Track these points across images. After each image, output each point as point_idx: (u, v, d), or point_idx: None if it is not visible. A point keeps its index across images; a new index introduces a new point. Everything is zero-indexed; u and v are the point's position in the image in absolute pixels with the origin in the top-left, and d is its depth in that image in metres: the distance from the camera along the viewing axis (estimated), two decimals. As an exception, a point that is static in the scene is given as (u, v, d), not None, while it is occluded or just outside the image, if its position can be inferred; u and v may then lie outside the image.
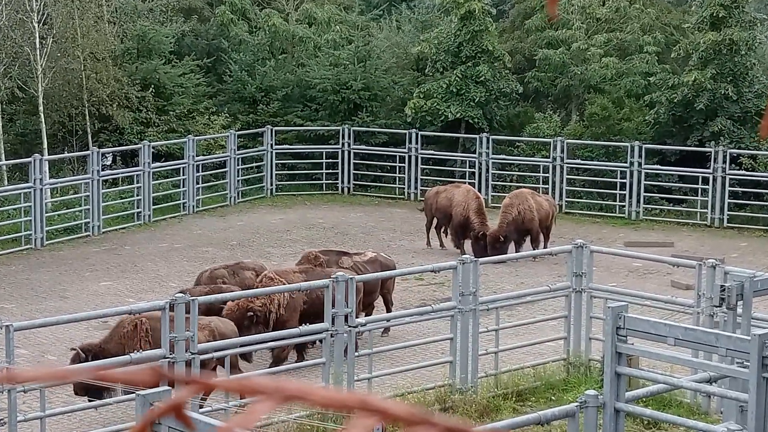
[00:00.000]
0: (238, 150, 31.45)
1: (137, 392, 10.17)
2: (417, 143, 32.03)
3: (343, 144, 32.92)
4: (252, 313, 16.55)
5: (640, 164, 29.65)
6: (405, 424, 1.38)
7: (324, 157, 33.18)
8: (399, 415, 1.37)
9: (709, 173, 29.03)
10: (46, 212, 26.39)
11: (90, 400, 14.65)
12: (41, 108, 29.51)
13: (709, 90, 30.16)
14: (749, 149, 29.71)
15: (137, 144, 29.89)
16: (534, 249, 23.80)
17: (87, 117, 31.24)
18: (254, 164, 32.66)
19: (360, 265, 18.90)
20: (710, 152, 29.25)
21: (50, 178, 27.76)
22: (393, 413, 1.37)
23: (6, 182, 28.53)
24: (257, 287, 16.93)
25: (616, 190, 30.17)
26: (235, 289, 17.59)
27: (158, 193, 29.45)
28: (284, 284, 16.71)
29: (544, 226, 25.23)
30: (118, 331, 15.18)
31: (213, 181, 31.69)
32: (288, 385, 1.41)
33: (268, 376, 15.35)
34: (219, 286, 17.79)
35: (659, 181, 30.26)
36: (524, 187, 31.80)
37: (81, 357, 14.81)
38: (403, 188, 32.50)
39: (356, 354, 15.36)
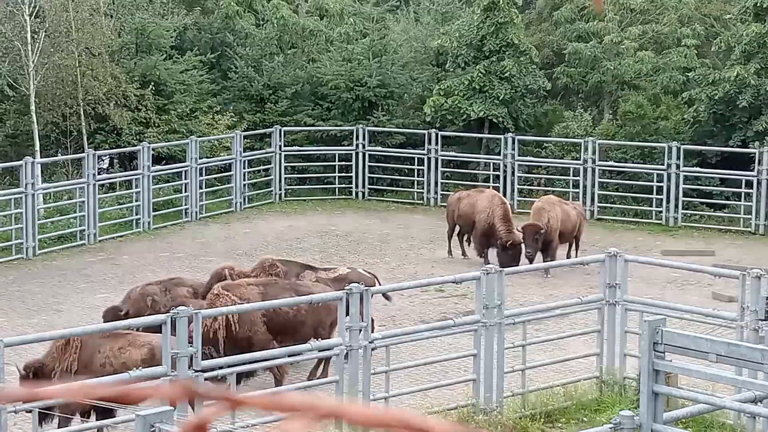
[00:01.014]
0: (244, 152, 31.53)
1: (137, 413, 10.20)
2: (437, 144, 32.06)
3: (357, 145, 32.97)
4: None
5: (678, 166, 29.61)
6: None
7: (336, 160, 33.24)
8: None
9: (753, 176, 28.96)
10: (39, 219, 26.50)
11: (99, 419, 14.73)
12: (33, 107, 29.64)
13: (753, 86, 30.11)
14: (796, 150, 29.64)
15: (136, 146, 30.00)
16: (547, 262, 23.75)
17: (82, 117, 31.37)
18: (261, 167, 32.74)
19: (323, 282, 18.43)
20: (754, 153, 29.19)
21: (43, 182, 27.88)
22: (435, 431, 1.38)
23: (-5, 187, 28.67)
24: (207, 305, 16.71)
25: (652, 194, 30.13)
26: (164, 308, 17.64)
27: (158, 199, 29.55)
28: (235, 299, 16.52)
29: (571, 236, 25.33)
30: (55, 346, 15.26)
31: (217, 186, 31.79)
32: (323, 402, 1.42)
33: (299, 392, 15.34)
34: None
35: (699, 185, 30.21)
36: (553, 191, 31.87)
37: (21, 374, 14.89)
38: (422, 193, 32.53)
39: (372, 371, 15.37)
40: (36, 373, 14.78)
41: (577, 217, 25.43)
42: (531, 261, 23.57)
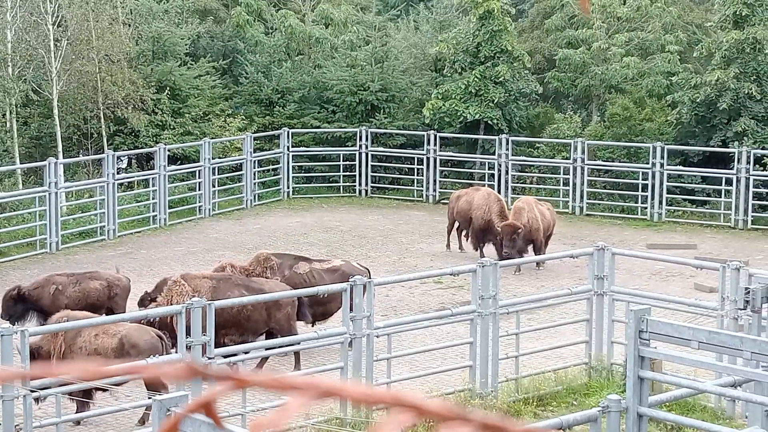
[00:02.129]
0: (254, 152, 31.50)
1: (154, 398, 10.19)
2: (435, 145, 32.02)
3: (360, 146, 32.94)
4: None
5: (662, 165, 29.58)
6: (440, 421, 1.38)
7: (341, 160, 33.21)
8: (434, 412, 1.38)
9: (733, 174, 28.93)
10: (61, 216, 26.49)
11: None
12: (56, 111, 29.62)
13: (733, 89, 30.07)
14: (773, 149, 29.60)
15: (153, 147, 29.98)
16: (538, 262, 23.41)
17: (102, 120, 31.35)
18: (271, 167, 32.72)
19: (316, 273, 18.31)
20: (734, 153, 29.16)
21: (65, 181, 27.86)
22: (428, 409, 1.37)
23: (21, 186, 28.65)
24: (163, 292, 16.54)
25: (638, 191, 30.10)
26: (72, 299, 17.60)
27: (174, 197, 29.53)
28: (189, 290, 16.41)
29: (545, 235, 24.60)
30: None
31: (229, 184, 31.77)
32: (323, 381, 1.41)
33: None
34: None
35: (682, 183, 30.18)
36: (544, 189, 31.84)
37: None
38: (422, 190, 32.49)
39: (375, 359, 15.36)
40: (33, 355, 14.59)
41: (551, 217, 24.85)
42: (508, 259, 22.36)
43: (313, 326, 18.12)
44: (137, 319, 15.44)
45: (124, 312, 18.18)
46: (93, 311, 17.68)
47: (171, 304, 16.09)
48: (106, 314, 18.12)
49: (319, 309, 18.21)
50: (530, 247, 24.23)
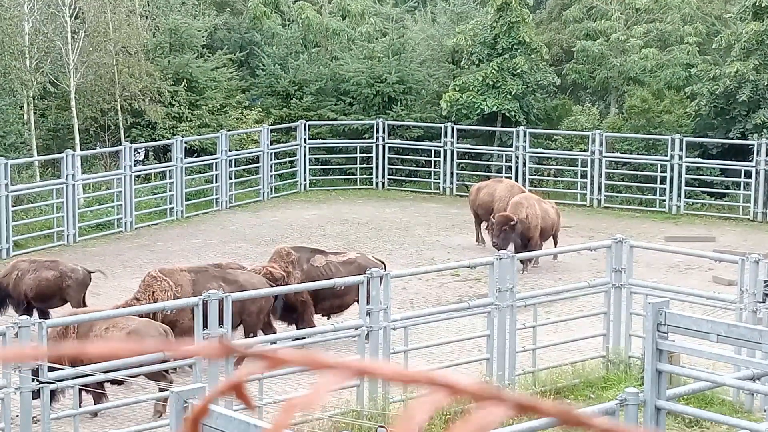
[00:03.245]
0: (271, 145, 31.53)
1: (171, 389, 10.23)
2: (452, 137, 31.99)
3: (377, 138, 32.93)
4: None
5: (680, 157, 29.49)
6: (474, 400, 1.38)
7: (358, 152, 33.21)
8: (468, 390, 1.37)
9: (752, 166, 28.81)
10: (79, 208, 26.57)
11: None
12: (73, 103, 29.71)
13: (752, 81, 29.93)
14: (793, 142, 29.47)
15: (170, 139, 30.03)
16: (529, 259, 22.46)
17: (119, 112, 31.42)
18: (287, 159, 32.74)
19: (332, 266, 18.32)
20: (753, 145, 29.04)
21: (82, 173, 27.94)
22: (462, 388, 1.36)
23: (38, 178, 28.75)
24: (142, 287, 16.57)
25: (656, 183, 30.01)
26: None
27: (191, 189, 29.59)
28: (171, 283, 16.40)
29: (549, 235, 23.82)
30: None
31: (246, 177, 31.81)
32: (355, 360, 1.41)
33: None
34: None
35: (700, 175, 30.07)
36: (562, 182, 31.78)
37: None
38: (439, 183, 32.47)
39: (392, 351, 15.36)
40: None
41: (555, 215, 24.00)
42: (498, 249, 21.82)
43: (329, 319, 18.16)
44: (151, 311, 15.52)
45: (79, 302, 18.86)
46: (45, 300, 18.26)
47: (154, 300, 16.15)
48: (60, 305, 18.94)
49: (336, 302, 18.25)
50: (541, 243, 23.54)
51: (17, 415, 13.35)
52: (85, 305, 19.26)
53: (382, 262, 18.99)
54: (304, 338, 16.42)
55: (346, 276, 17.40)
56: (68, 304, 19.11)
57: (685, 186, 29.67)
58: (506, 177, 29.63)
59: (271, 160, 31.47)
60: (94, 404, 14.79)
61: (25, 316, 14.14)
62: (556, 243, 23.91)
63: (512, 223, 22.84)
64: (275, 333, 17.10)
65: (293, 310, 17.87)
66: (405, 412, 1.42)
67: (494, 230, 22.97)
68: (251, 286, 16.67)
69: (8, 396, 13.13)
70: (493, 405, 1.35)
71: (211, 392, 1.47)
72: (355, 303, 17.84)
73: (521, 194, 24.43)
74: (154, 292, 16.52)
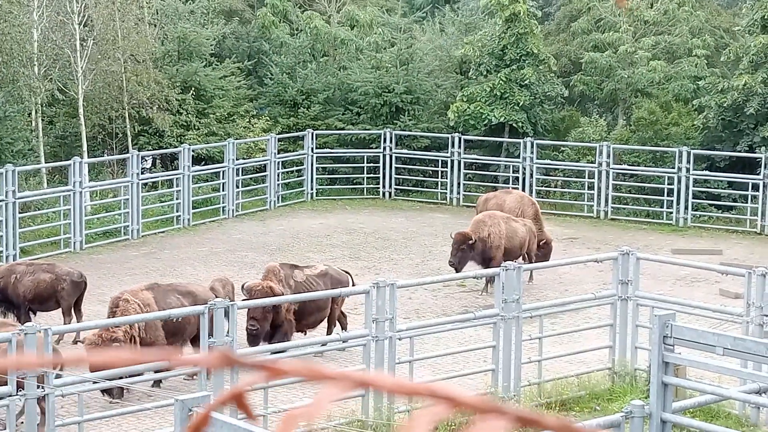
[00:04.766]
0: (278, 153, 31.55)
1: (176, 397, 10.21)
2: (460, 147, 31.99)
3: (384, 148, 32.95)
4: (118, 344, 15.76)
5: (688, 170, 29.46)
6: (475, 412, 1.38)
7: (365, 161, 33.23)
8: (469, 403, 1.37)
9: (759, 179, 28.77)
10: (86, 215, 26.60)
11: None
12: (81, 111, 29.76)
13: (760, 94, 29.91)
14: (801, 155, 29.43)
15: (177, 147, 30.06)
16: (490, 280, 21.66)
17: (127, 119, 31.48)
18: (295, 168, 32.77)
19: (312, 279, 18.30)
20: (761, 158, 29.01)
21: (90, 181, 27.98)
22: (462, 401, 1.36)
23: (46, 185, 28.79)
24: (112, 312, 16.38)
25: (663, 196, 29.98)
26: None
27: (198, 197, 29.61)
28: (139, 305, 16.38)
29: (520, 253, 22.90)
30: None
31: (253, 185, 31.83)
32: (357, 372, 1.41)
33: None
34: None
35: (708, 188, 30.04)
36: (569, 193, 31.76)
37: None
38: (445, 193, 32.46)
39: (397, 361, 15.35)
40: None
41: (526, 233, 23.02)
42: (455, 269, 21.79)
43: (305, 335, 18.19)
44: (162, 318, 15.57)
45: (70, 306, 19.18)
46: (42, 302, 18.52)
47: (129, 325, 16.09)
48: (56, 308, 19.34)
49: (320, 316, 18.27)
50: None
51: (22, 422, 13.36)
52: (79, 311, 19.42)
53: (348, 273, 18.99)
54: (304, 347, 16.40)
55: (324, 289, 17.59)
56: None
57: (693, 198, 29.64)
58: (513, 188, 29.60)
59: (278, 169, 31.50)
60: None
61: (30, 323, 14.17)
62: (530, 261, 22.71)
63: (470, 242, 22.10)
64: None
65: (276, 329, 17.69)
66: (407, 424, 1.41)
67: (452, 249, 22.28)
68: (206, 295, 16.77)
69: (13, 402, 13.14)
70: (495, 418, 1.35)
71: (213, 402, 1.47)
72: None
73: (486, 212, 23.67)
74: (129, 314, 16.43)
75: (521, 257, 22.81)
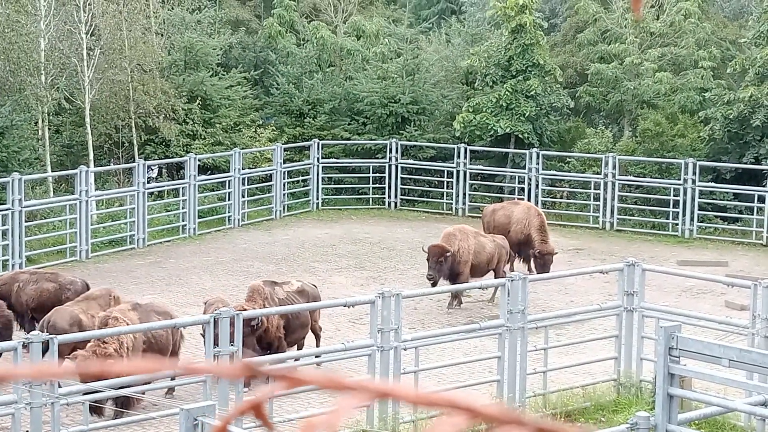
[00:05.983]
0: (284, 163, 31.59)
1: (181, 407, 10.23)
2: (465, 158, 32.01)
3: (390, 158, 32.97)
4: (111, 359, 15.75)
5: (694, 181, 29.45)
6: (495, 424, 1.38)
7: (371, 171, 33.25)
8: (489, 415, 1.38)
9: (765, 191, 28.76)
10: (92, 224, 26.63)
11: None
12: (88, 119, 29.82)
13: (766, 106, 29.92)
14: (807, 167, 29.42)
15: (183, 156, 30.10)
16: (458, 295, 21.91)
17: (133, 129, 31.53)
18: (300, 178, 32.80)
19: (292, 296, 18.14)
20: (766, 170, 28.99)
21: (96, 190, 28.02)
22: (482, 412, 1.37)
23: (52, 194, 28.83)
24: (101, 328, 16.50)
25: (669, 207, 29.97)
26: None
27: (204, 206, 29.64)
28: (127, 323, 16.35)
29: (487, 269, 22.61)
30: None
31: (259, 195, 31.86)
32: (376, 382, 1.41)
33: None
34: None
35: (714, 199, 30.02)
36: (574, 204, 31.74)
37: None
38: (451, 204, 32.47)
39: (402, 371, 15.35)
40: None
41: (494, 249, 22.66)
42: (433, 283, 21.64)
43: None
44: (169, 327, 15.58)
45: None
46: (45, 311, 18.60)
47: (120, 343, 16.03)
48: None
49: (303, 333, 18.23)
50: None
51: (27, 431, 13.36)
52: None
53: (316, 287, 19.01)
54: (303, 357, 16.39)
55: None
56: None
57: (698, 210, 29.62)
58: (519, 198, 29.58)
59: (283, 178, 31.53)
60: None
61: (35, 332, 14.17)
62: (497, 276, 21.99)
63: (447, 254, 21.89)
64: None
65: (267, 348, 17.62)
66: None
67: (429, 262, 21.98)
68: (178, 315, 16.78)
69: (19, 411, 13.14)
70: (514, 429, 1.35)
71: (231, 412, 1.48)
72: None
73: (456, 226, 23.55)
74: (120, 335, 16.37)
75: (493, 272, 22.56)
